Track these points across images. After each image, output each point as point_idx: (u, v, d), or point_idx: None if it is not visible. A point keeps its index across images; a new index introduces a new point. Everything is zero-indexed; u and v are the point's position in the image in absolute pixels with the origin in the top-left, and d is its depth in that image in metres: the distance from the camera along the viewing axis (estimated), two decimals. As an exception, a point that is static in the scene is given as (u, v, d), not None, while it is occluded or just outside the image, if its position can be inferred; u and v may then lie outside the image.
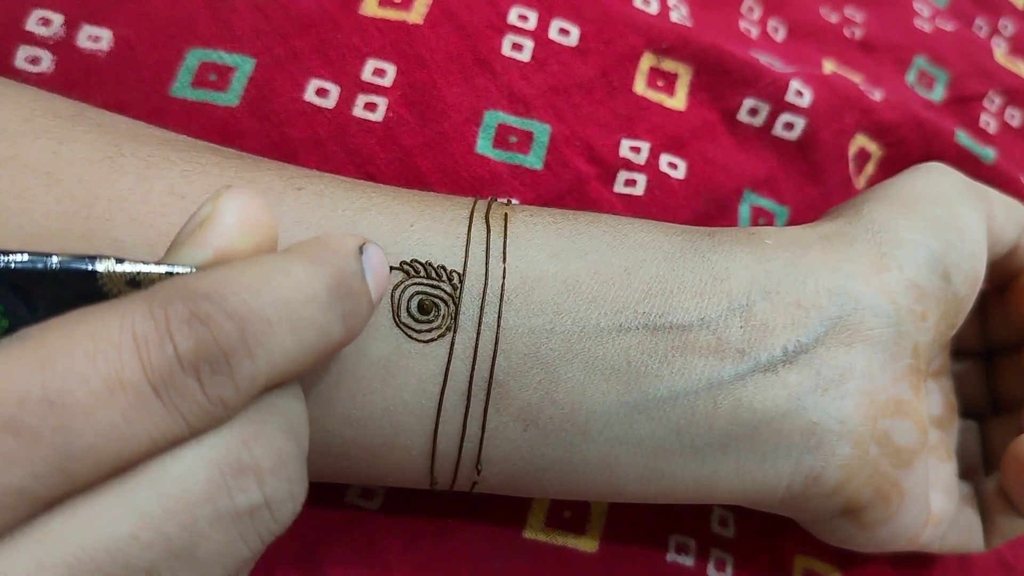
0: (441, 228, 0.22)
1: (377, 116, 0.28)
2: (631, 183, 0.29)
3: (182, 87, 0.27)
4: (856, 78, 0.35)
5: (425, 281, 0.21)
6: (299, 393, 0.17)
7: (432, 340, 0.21)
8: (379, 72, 0.28)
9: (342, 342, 0.17)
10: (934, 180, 0.26)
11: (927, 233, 0.24)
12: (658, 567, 0.26)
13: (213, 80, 0.27)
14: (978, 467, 0.29)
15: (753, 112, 0.31)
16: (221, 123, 0.26)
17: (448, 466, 0.22)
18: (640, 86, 0.31)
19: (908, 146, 0.33)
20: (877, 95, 0.33)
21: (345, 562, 0.24)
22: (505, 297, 0.21)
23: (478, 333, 0.21)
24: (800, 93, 0.31)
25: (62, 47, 0.26)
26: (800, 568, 0.28)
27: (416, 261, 0.21)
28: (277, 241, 0.17)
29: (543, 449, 0.21)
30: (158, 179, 0.20)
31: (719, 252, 0.23)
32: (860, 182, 0.33)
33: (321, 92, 0.27)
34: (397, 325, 0.20)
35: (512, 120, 0.29)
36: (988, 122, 0.37)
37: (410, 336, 0.20)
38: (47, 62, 0.26)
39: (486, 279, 0.21)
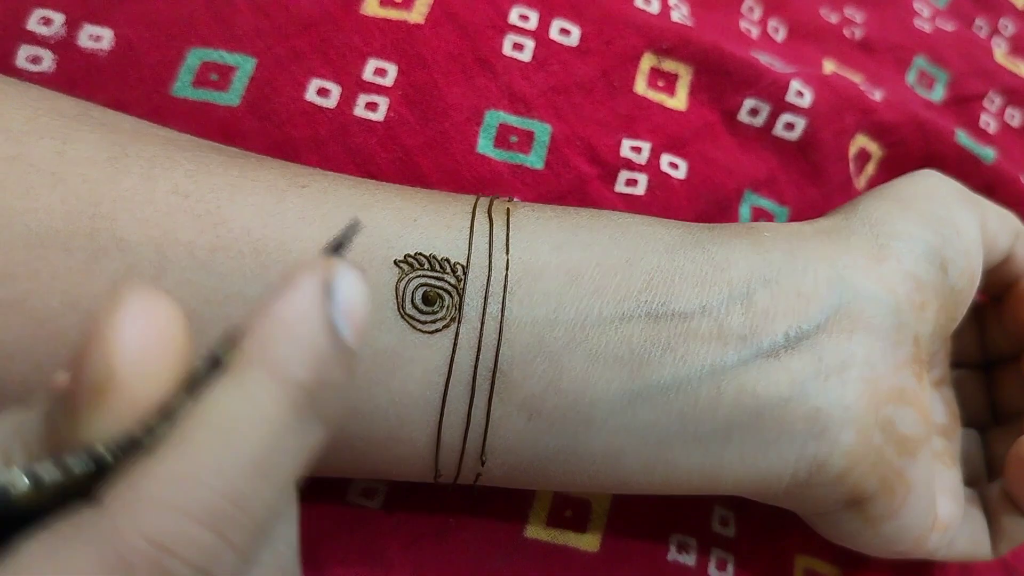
0: (444, 222, 0.22)
1: (378, 116, 0.28)
2: (632, 183, 0.29)
3: (183, 87, 0.27)
4: (856, 78, 0.35)
5: (429, 273, 0.21)
6: (288, 511, 0.15)
7: (437, 331, 0.21)
8: (380, 72, 0.28)
9: (325, 439, 0.15)
10: (930, 184, 0.26)
11: (923, 227, 0.24)
12: (659, 566, 0.26)
13: (214, 80, 0.27)
14: (982, 475, 0.29)
15: (754, 112, 0.31)
16: (222, 123, 0.26)
17: (452, 458, 0.22)
18: (641, 86, 0.31)
19: (908, 146, 0.34)
20: (877, 95, 0.34)
21: (346, 561, 0.24)
22: (508, 288, 0.21)
23: (482, 324, 0.21)
24: (801, 93, 0.31)
25: (63, 46, 0.26)
26: (801, 568, 0.28)
27: (420, 254, 0.21)
28: (187, 342, 0.14)
29: (547, 439, 0.21)
30: (163, 179, 0.20)
31: (719, 244, 0.23)
32: (860, 182, 0.33)
33: (322, 92, 0.27)
34: (402, 317, 0.21)
35: (513, 120, 0.29)
36: (988, 122, 0.37)
37: (415, 327, 0.21)
38: (48, 61, 0.26)
39: (489, 270, 0.21)
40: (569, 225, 0.23)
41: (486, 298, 0.21)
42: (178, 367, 0.14)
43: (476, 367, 0.21)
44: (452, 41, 0.29)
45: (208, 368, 0.14)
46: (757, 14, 0.36)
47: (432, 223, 0.22)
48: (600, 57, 0.30)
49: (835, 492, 0.23)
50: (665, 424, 0.21)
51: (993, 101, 0.37)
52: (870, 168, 0.34)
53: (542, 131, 0.29)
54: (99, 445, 0.13)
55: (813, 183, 0.32)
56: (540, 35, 0.30)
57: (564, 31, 0.30)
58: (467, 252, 0.21)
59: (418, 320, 0.21)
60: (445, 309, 0.21)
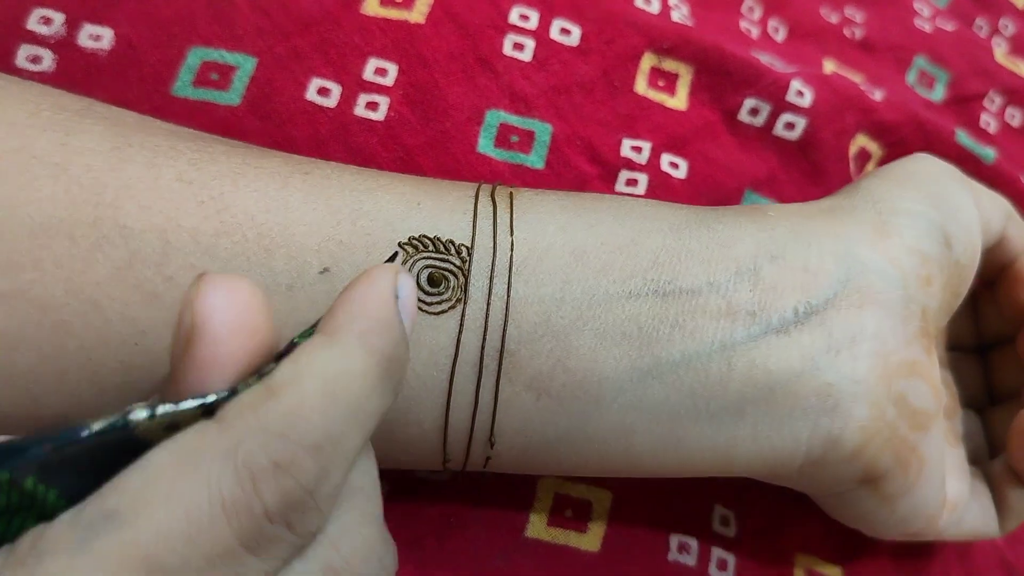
0: (448, 205, 0.22)
1: (379, 115, 0.28)
2: (632, 183, 0.29)
3: (183, 86, 0.27)
4: (857, 78, 0.35)
5: (434, 255, 0.21)
6: (367, 452, 0.18)
7: (443, 312, 0.21)
8: (381, 71, 0.28)
9: (390, 405, 0.17)
10: (928, 164, 0.26)
11: (925, 203, 0.24)
12: (660, 566, 0.26)
13: (215, 79, 0.27)
14: (984, 454, 0.29)
15: (754, 112, 0.31)
16: (223, 122, 0.26)
17: (461, 441, 0.22)
18: (641, 86, 0.31)
19: (908, 146, 0.34)
20: (878, 95, 0.34)
21: (347, 561, 0.24)
22: (514, 268, 0.21)
23: (488, 304, 0.21)
24: (801, 93, 0.31)
25: (63, 46, 0.26)
26: (801, 567, 0.28)
27: (424, 236, 0.21)
28: (273, 330, 0.17)
29: (556, 419, 0.21)
30: (166, 167, 0.20)
31: (723, 223, 0.23)
32: (861, 182, 0.33)
33: (323, 91, 0.27)
34: None
35: (513, 119, 0.29)
36: (988, 122, 0.37)
37: (421, 309, 0.21)
38: (48, 61, 0.26)
39: (494, 251, 0.21)
40: (573, 207, 0.23)
41: (492, 278, 0.21)
42: (258, 328, 0.16)
43: (483, 347, 0.21)
44: (453, 41, 0.29)
45: (289, 349, 0.16)
46: (757, 14, 0.36)
47: (435, 207, 0.22)
48: (600, 57, 0.30)
49: (850, 469, 0.23)
50: (676, 401, 0.21)
51: (993, 101, 0.37)
52: (870, 168, 0.34)
53: (543, 131, 0.29)
54: (211, 395, 0.15)
55: (813, 182, 0.32)
56: (540, 35, 0.30)
57: (564, 31, 0.30)
58: (471, 234, 0.21)
59: (424, 302, 0.21)
60: (451, 290, 0.21)
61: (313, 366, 0.15)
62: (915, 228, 0.24)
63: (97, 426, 0.15)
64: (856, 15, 0.37)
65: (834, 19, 0.37)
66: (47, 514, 0.14)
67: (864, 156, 0.33)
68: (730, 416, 0.22)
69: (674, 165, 0.30)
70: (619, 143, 0.30)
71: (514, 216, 0.22)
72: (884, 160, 0.34)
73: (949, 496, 0.25)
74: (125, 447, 0.15)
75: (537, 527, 0.26)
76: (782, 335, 0.22)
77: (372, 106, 0.28)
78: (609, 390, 0.21)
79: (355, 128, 0.27)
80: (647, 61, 0.31)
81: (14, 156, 0.20)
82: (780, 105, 0.31)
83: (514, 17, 0.30)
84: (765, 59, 0.32)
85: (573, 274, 0.21)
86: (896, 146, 0.33)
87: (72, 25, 0.27)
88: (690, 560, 0.27)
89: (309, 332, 0.17)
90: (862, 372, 0.22)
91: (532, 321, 0.21)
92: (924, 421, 0.23)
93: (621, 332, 0.21)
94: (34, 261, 0.19)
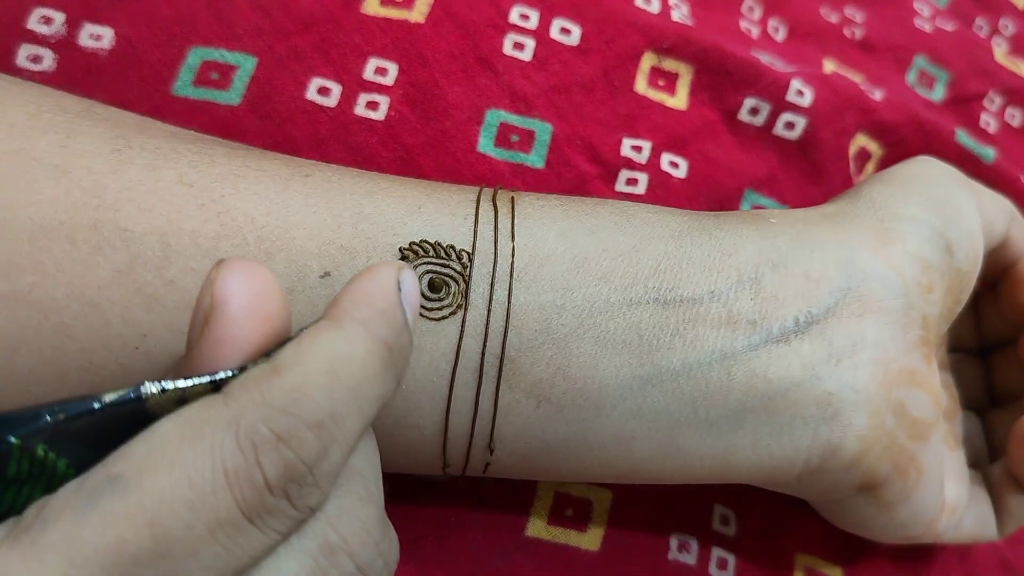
0: (448, 210, 0.22)
1: (379, 115, 0.28)
2: (633, 182, 0.29)
3: (184, 86, 0.27)
4: (857, 78, 0.35)
5: (435, 260, 0.21)
6: (367, 437, 0.18)
7: (443, 318, 0.21)
8: (381, 71, 0.28)
9: (394, 393, 0.18)
10: (929, 167, 0.26)
11: (927, 209, 0.24)
12: (660, 566, 0.26)
13: (215, 79, 0.27)
14: (983, 457, 0.29)
15: (754, 112, 0.31)
16: (223, 122, 0.26)
17: (460, 447, 0.22)
18: (641, 85, 0.31)
19: (908, 146, 0.34)
20: (877, 95, 0.34)
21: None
22: (515, 274, 0.21)
23: (489, 310, 0.21)
24: (801, 93, 0.31)
25: (63, 46, 0.26)
26: (801, 566, 0.28)
27: (425, 241, 0.21)
28: (286, 318, 0.17)
29: (556, 425, 0.21)
30: (167, 169, 0.20)
31: (725, 230, 0.23)
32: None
33: (323, 91, 0.27)
34: None
35: (514, 119, 0.29)
36: (988, 122, 0.37)
37: (422, 314, 0.21)
38: (48, 61, 0.26)
39: (495, 257, 0.21)
40: (574, 213, 0.23)
41: (492, 284, 0.21)
42: (273, 314, 0.16)
43: (483, 353, 0.21)
44: (453, 40, 0.29)
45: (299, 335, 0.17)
46: (757, 14, 0.36)
47: (436, 211, 0.22)
48: (601, 56, 0.30)
49: (848, 477, 0.23)
50: (676, 409, 0.21)
51: (993, 101, 0.37)
52: (870, 168, 0.34)
53: (543, 130, 0.29)
54: (221, 373, 0.16)
55: (813, 182, 0.32)
56: (541, 34, 0.30)
57: (564, 30, 0.30)
58: (472, 239, 0.21)
59: (424, 307, 0.21)
60: (451, 296, 0.21)
61: (317, 348, 0.16)
62: (917, 235, 0.23)
63: (109, 398, 0.15)
64: (856, 15, 0.37)
65: (834, 19, 0.37)
66: (55, 485, 0.15)
67: (864, 156, 0.33)
68: (730, 425, 0.22)
69: (674, 165, 0.30)
70: (619, 143, 0.30)
71: (515, 221, 0.22)
72: (884, 160, 0.34)
73: (948, 500, 0.25)
74: (135, 420, 0.15)
75: (537, 526, 0.26)
76: (782, 344, 0.22)
77: (372, 105, 0.28)
78: (609, 398, 0.21)
79: (355, 128, 0.27)
80: (647, 61, 0.31)
81: (15, 158, 0.20)
82: (780, 105, 0.31)
83: (514, 17, 0.30)
84: (765, 59, 0.32)
85: (574, 281, 0.21)
86: (896, 146, 0.33)
87: (72, 25, 0.27)
88: (690, 559, 0.27)
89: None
90: (862, 381, 0.22)
91: (533, 328, 0.21)
92: (923, 431, 0.23)
93: (622, 340, 0.21)
94: (35, 264, 0.19)
